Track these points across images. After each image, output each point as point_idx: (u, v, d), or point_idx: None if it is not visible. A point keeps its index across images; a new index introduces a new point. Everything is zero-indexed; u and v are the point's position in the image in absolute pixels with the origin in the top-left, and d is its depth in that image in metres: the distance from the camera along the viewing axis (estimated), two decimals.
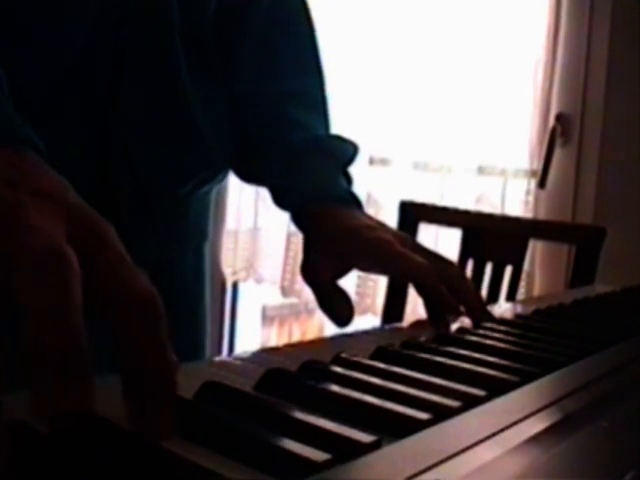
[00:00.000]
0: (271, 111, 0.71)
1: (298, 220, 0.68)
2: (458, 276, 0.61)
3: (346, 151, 0.71)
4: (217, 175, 0.70)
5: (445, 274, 0.59)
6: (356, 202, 0.67)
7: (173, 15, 0.62)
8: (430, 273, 0.58)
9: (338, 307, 0.61)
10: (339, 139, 0.71)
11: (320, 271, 0.62)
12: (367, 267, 0.65)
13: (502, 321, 0.59)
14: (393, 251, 0.60)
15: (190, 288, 0.73)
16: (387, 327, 0.56)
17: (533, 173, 1.85)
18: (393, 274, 0.62)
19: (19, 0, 0.55)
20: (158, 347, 0.31)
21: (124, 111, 0.60)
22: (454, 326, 0.56)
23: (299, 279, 2.14)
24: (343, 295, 0.62)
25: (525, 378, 0.40)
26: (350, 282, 2.01)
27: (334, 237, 0.63)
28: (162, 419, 0.29)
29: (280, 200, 0.70)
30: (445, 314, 0.58)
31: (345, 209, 0.65)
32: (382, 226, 0.64)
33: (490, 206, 1.86)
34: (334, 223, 0.63)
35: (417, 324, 0.59)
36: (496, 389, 0.37)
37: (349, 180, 0.70)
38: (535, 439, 0.31)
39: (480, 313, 0.59)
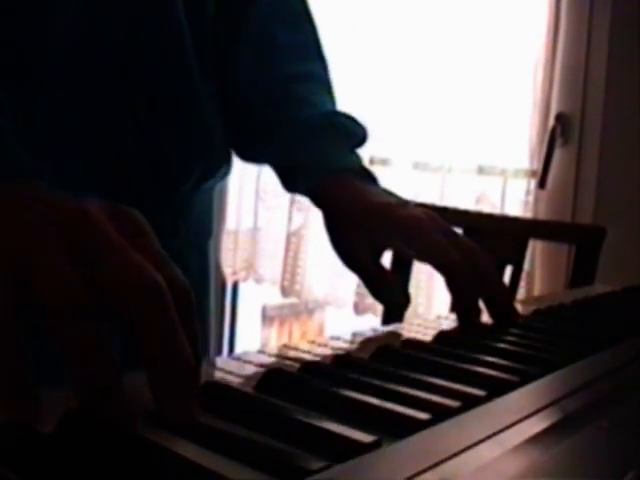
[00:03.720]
0: (275, 91, 0.69)
1: (315, 198, 0.65)
2: (491, 275, 0.59)
3: (357, 131, 0.68)
4: (219, 168, 0.68)
5: (477, 272, 0.57)
6: (372, 177, 0.65)
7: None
8: (465, 273, 0.56)
9: (389, 293, 0.59)
10: (349, 118, 0.69)
11: (358, 251, 0.60)
12: (398, 246, 0.63)
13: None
14: (430, 240, 0.57)
15: (194, 286, 0.71)
16: (387, 327, 0.56)
17: (533, 173, 1.85)
18: (425, 261, 0.59)
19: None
20: (172, 347, 0.32)
21: (127, 88, 0.59)
22: (453, 325, 0.56)
23: (299, 279, 2.14)
24: (393, 278, 0.60)
25: (525, 378, 0.40)
26: (350, 282, 2.01)
27: (366, 214, 0.60)
28: (182, 404, 0.31)
29: (291, 180, 0.68)
30: (473, 316, 0.56)
31: (366, 184, 0.63)
32: (408, 203, 0.61)
33: (490, 206, 1.86)
34: (362, 199, 0.61)
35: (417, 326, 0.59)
36: (496, 389, 0.37)
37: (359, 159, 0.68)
38: (535, 439, 0.31)
39: (503, 316, 0.56)
